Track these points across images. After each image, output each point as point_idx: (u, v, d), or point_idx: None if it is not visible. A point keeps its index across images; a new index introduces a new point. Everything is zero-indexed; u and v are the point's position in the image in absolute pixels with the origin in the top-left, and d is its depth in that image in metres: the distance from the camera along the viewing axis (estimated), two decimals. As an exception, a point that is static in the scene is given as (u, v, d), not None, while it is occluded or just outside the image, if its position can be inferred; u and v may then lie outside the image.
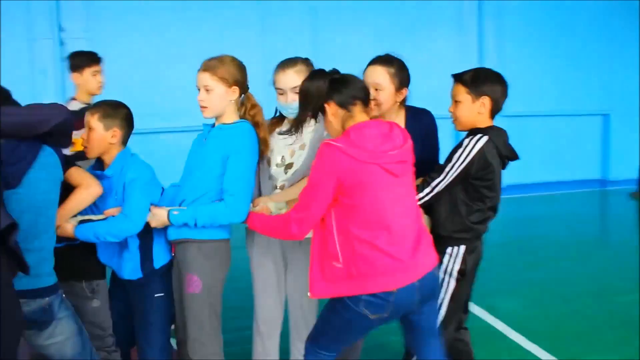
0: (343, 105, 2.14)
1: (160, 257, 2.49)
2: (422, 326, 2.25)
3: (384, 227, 2.07)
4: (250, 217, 2.34)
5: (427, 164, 2.50)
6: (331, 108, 2.15)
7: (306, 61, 2.53)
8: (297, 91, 2.41)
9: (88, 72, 3.59)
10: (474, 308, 4.01)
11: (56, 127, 2.01)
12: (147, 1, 6.82)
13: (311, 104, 2.20)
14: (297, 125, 2.43)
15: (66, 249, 2.39)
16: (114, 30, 6.80)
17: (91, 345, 2.26)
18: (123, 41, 6.87)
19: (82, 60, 3.64)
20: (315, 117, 2.32)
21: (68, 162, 2.27)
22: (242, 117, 2.46)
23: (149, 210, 2.36)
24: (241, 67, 2.42)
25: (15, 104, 2.23)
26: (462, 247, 2.46)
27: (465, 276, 2.40)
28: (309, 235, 2.49)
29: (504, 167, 2.51)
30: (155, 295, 2.48)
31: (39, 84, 6.68)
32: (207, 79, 2.35)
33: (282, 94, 2.51)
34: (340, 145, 2.03)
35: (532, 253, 5.50)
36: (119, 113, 2.45)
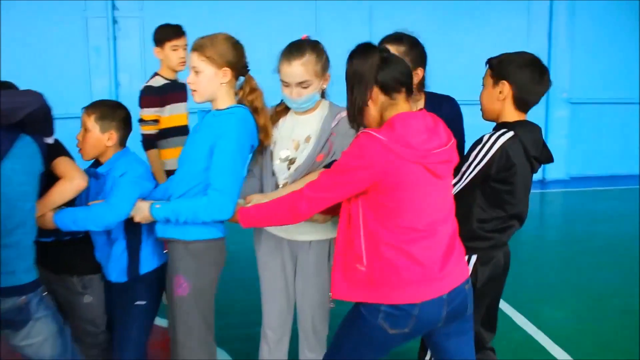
0: (387, 90, 1.84)
1: (147, 262, 2.34)
2: (451, 351, 1.99)
3: (419, 232, 1.83)
4: (242, 212, 2.10)
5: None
6: (372, 92, 1.85)
7: (316, 47, 2.23)
8: (305, 86, 2.18)
9: (168, 46, 3.46)
10: (515, 315, 3.69)
11: (30, 116, 1.89)
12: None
13: (366, 89, 1.83)
14: (354, 120, 1.90)
15: (58, 243, 2.29)
16: (167, 10, 6.74)
17: (73, 347, 2.14)
18: (177, 22, 6.80)
19: (163, 33, 3.49)
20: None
21: (57, 152, 2.15)
22: (239, 102, 2.25)
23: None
24: (236, 47, 2.19)
25: None
26: (474, 258, 2.18)
27: (476, 291, 2.11)
28: (320, 237, 2.29)
29: (534, 170, 2.19)
30: (136, 302, 2.32)
31: (93, 62, 6.76)
32: (195, 59, 2.15)
33: (287, 86, 2.23)
34: (384, 139, 1.76)
35: (592, 254, 5.02)
36: (117, 115, 2.30)
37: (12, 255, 1.92)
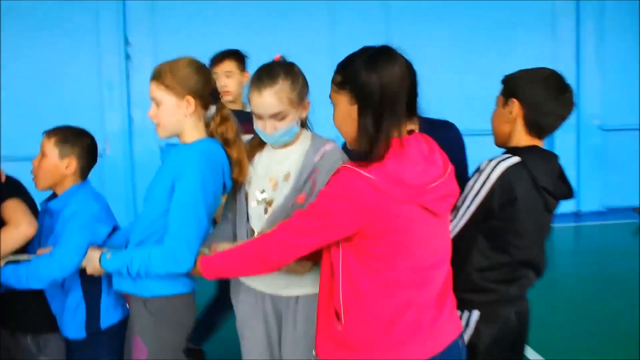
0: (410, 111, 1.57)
1: (109, 314, 2.07)
2: None
3: (411, 283, 1.51)
4: (203, 262, 1.78)
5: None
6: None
7: (290, 71, 1.91)
8: (280, 117, 1.87)
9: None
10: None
11: None
12: (214, 11, 6.62)
13: (400, 111, 1.49)
14: (369, 151, 1.49)
15: (8, 294, 2.03)
16: (181, 43, 6.65)
17: None
18: (190, 53, 6.69)
19: (212, 60, 3.20)
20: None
21: (7, 193, 1.93)
22: (211, 134, 1.98)
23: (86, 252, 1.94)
24: (200, 71, 1.92)
25: None
26: (475, 314, 1.82)
27: (478, 355, 1.77)
28: (309, 291, 1.95)
29: (549, 207, 1.82)
30: None
31: (106, 97, 6.68)
32: (153, 89, 1.90)
33: (260, 118, 1.92)
34: (372, 177, 1.43)
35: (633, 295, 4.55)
36: (80, 141, 2.08)
37: None
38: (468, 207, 1.75)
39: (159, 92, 1.88)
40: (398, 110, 1.48)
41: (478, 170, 1.78)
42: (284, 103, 1.87)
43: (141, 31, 6.72)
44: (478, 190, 1.74)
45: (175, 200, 1.82)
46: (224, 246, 1.90)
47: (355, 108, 1.50)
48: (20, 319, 2.12)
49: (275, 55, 1.97)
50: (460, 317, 1.79)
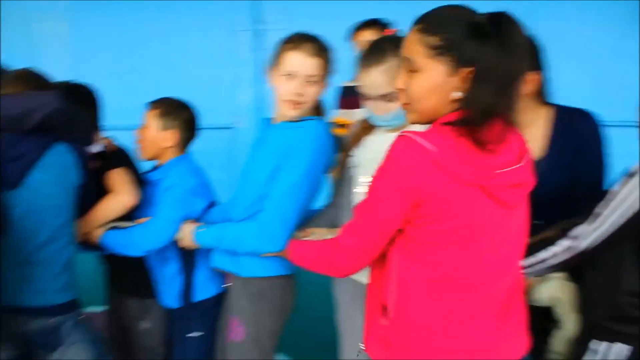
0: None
1: (203, 289, 2.06)
2: None
3: (467, 281, 1.29)
4: (292, 246, 1.67)
5: (577, 199, 1.68)
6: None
7: (397, 47, 1.62)
8: (389, 99, 1.69)
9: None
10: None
11: (47, 119, 1.70)
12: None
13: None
14: (482, 119, 1.25)
15: (120, 258, 2.08)
16: (315, 22, 6.66)
17: None
18: (322, 28, 6.68)
19: (352, 30, 3.16)
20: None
21: (115, 163, 1.99)
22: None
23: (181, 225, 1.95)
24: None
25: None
26: (622, 348, 1.51)
27: None
28: None
29: None
30: (188, 334, 2.04)
31: (238, 75, 6.86)
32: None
33: (369, 99, 1.75)
34: (432, 148, 1.21)
35: None
36: (181, 114, 2.08)
37: (41, 273, 1.75)
38: (609, 216, 1.48)
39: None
40: (515, 89, 1.26)
41: (628, 174, 1.50)
42: (392, 82, 1.70)
43: (272, 7, 6.80)
44: (624, 198, 1.46)
45: (279, 180, 1.75)
46: (320, 232, 1.80)
47: (454, 80, 1.25)
48: (128, 282, 2.20)
49: (387, 29, 1.82)
50: (598, 349, 1.54)
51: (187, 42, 6.67)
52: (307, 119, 1.83)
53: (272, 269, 1.84)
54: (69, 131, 1.79)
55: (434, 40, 1.25)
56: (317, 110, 1.93)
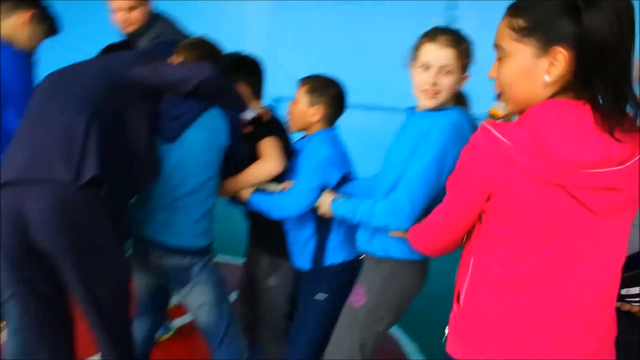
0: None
1: (333, 254, 2.18)
2: None
3: (543, 288, 1.22)
4: (412, 230, 1.69)
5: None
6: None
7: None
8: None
9: None
10: None
11: (200, 87, 1.92)
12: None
13: None
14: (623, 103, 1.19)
15: (258, 218, 2.28)
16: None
17: (230, 322, 2.15)
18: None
19: None
20: None
21: (268, 131, 2.19)
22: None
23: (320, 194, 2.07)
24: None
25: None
26: None
27: None
28: None
29: None
30: (315, 296, 2.17)
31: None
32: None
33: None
34: (508, 142, 1.15)
35: None
36: (327, 90, 2.19)
37: (180, 219, 2.01)
38: None
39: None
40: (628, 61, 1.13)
41: None
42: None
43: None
44: None
45: (412, 163, 1.81)
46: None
47: (543, 61, 1.17)
48: (265, 239, 2.40)
49: None
50: None
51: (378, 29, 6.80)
52: (446, 108, 1.86)
53: (405, 252, 1.91)
54: (221, 98, 2.01)
55: (520, 22, 1.19)
56: (459, 100, 1.93)
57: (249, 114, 2.14)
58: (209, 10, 6.99)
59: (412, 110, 1.99)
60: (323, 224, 2.18)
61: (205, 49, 2.12)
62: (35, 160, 1.72)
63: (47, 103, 1.84)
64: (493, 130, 1.18)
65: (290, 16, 6.93)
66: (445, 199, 1.38)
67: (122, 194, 1.86)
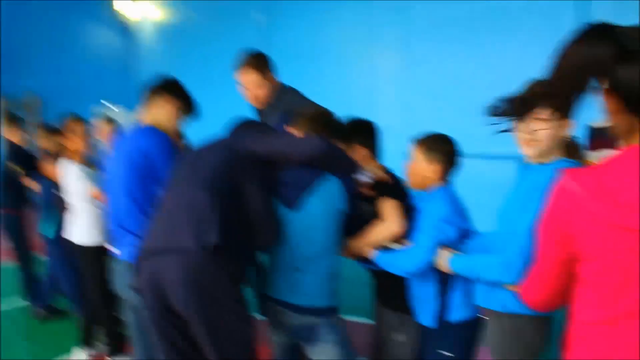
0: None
1: (457, 311, 2.18)
2: None
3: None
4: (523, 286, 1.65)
5: None
6: (610, 98, 1.18)
7: None
8: None
9: None
10: None
11: (313, 160, 2.08)
12: None
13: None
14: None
15: (383, 275, 2.37)
16: None
17: None
18: None
19: None
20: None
21: (385, 192, 2.30)
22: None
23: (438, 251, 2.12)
24: None
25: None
26: None
27: None
28: None
29: None
30: (438, 350, 2.18)
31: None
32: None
33: None
34: (576, 187, 1.17)
35: None
36: (443, 148, 2.26)
37: (309, 280, 2.15)
38: None
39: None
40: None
41: None
42: None
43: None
44: None
45: (522, 218, 1.81)
46: None
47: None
48: (390, 296, 2.45)
49: None
50: None
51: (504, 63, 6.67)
52: (558, 161, 1.84)
53: (522, 306, 1.85)
54: (333, 167, 2.16)
55: None
56: (570, 150, 1.89)
57: (364, 176, 2.25)
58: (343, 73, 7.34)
59: (521, 162, 1.98)
60: (445, 281, 2.20)
61: (320, 120, 2.29)
62: (168, 232, 2.00)
63: (178, 181, 2.12)
64: (566, 178, 1.21)
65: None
66: (536, 253, 1.39)
67: (242, 257, 2.06)
